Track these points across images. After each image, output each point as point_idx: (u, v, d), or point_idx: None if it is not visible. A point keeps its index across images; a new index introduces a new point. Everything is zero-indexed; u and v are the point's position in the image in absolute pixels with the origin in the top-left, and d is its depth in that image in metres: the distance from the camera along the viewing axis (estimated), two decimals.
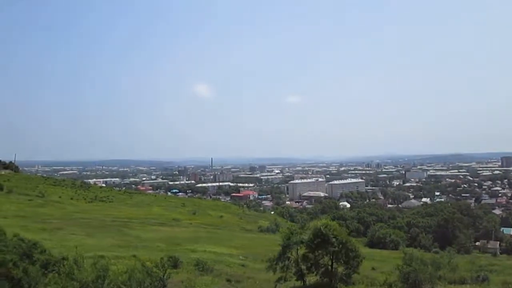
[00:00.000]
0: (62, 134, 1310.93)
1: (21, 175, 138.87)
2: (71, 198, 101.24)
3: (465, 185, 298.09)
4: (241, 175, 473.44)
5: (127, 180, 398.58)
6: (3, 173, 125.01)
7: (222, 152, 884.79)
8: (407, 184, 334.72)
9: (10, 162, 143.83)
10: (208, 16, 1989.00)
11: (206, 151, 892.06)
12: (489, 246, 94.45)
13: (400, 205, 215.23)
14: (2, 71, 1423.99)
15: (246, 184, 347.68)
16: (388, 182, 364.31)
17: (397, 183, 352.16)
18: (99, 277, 17.75)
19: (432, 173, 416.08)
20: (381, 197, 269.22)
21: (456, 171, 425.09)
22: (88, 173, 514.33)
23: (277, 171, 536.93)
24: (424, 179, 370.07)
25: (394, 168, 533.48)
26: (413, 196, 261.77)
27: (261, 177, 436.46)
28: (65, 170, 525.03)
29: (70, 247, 33.85)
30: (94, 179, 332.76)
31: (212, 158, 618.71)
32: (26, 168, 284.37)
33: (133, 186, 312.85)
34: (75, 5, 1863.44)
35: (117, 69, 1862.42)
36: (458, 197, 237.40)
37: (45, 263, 21.83)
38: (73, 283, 18.00)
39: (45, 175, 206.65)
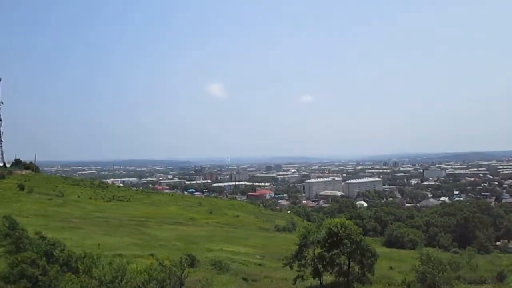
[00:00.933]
0: (80, 135, 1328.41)
1: (41, 175, 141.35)
2: (90, 198, 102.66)
3: (485, 184, 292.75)
4: (257, 175, 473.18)
5: (144, 180, 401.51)
6: (24, 173, 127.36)
7: (238, 152, 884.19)
8: (425, 183, 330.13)
9: (31, 162, 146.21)
10: (222, 16, 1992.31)
11: (222, 150, 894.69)
12: (510, 245, 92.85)
13: (418, 204, 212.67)
14: (24, 72, 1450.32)
15: (263, 184, 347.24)
16: (405, 181, 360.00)
17: (415, 182, 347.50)
18: (117, 276, 18.01)
19: (451, 172, 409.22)
20: (399, 196, 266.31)
21: (476, 169, 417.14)
22: (106, 173, 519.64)
23: (293, 170, 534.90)
24: (442, 178, 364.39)
25: (411, 167, 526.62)
26: (431, 195, 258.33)
27: (277, 176, 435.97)
28: (84, 170, 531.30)
29: (89, 246, 34.45)
30: (112, 179, 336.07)
31: (228, 158, 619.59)
32: (46, 168, 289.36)
33: (150, 185, 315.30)
34: (90, 3, 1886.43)
35: (134, 68, 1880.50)
36: (478, 196, 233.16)
37: (65, 261, 22.19)
38: (92, 281, 18.29)
39: (64, 175, 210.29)
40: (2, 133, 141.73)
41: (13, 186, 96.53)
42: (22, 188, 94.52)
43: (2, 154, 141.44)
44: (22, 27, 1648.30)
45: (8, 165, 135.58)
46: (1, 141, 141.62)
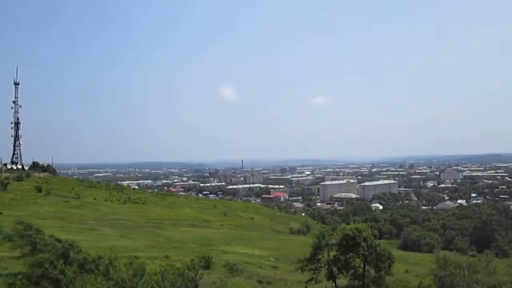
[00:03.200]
0: (96, 138, 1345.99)
1: (59, 178, 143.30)
2: (106, 200, 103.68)
3: (503, 186, 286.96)
4: (272, 177, 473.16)
5: (159, 182, 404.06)
6: (41, 175, 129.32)
7: (252, 154, 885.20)
8: (442, 185, 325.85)
9: (48, 165, 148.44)
10: (235, 17, 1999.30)
11: (236, 153, 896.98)
12: None
13: (434, 207, 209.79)
14: (41, 76, 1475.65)
15: (277, 186, 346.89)
16: (421, 183, 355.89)
17: (431, 184, 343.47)
18: (135, 275, 18.12)
19: (468, 174, 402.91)
20: (415, 198, 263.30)
21: (494, 171, 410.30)
22: (122, 175, 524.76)
23: (307, 173, 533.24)
24: (459, 180, 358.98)
25: (428, 169, 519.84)
26: (448, 198, 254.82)
27: (292, 179, 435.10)
28: (100, 172, 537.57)
29: (105, 247, 34.74)
30: (128, 181, 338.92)
31: (242, 160, 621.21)
32: (62, 171, 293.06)
33: (165, 188, 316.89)
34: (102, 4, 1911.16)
35: (148, 72, 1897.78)
36: (496, 198, 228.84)
37: (81, 262, 22.40)
38: (109, 283, 18.43)
39: (80, 178, 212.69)
40: (21, 136, 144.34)
41: (31, 189, 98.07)
42: (39, 190, 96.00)
43: (20, 157, 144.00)
44: (40, 31, 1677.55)
45: (26, 168, 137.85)
46: (20, 144, 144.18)
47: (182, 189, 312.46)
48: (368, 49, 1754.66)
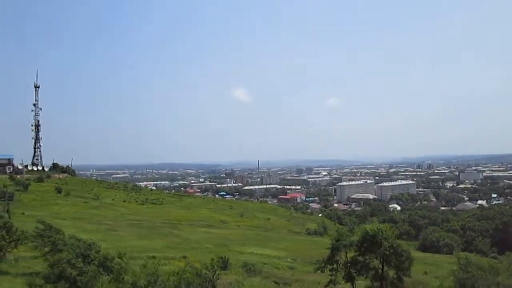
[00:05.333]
0: (114, 140, 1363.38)
1: (78, 179, 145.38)
2: (124, 201, 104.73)
3: None
4: (288, 178, 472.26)
5: (176, 183, 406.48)
6: (61, 177, 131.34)
7: (268, 155, 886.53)
8: (461, 186, 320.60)
9: (67, 166, 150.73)
10: (247, 17, 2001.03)
11: (252, 154, 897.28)
12: None
13: (454, 208, 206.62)
14: (59, 79, 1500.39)
15: (293, 187, 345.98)
16: (440, 184, 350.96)
17: (451, 185, 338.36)
18: (151, 275, 18.25)
19: (488, 174, 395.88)
20: (434, 199, 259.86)
21: None
22: (139, 176, 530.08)
23: (324, 173, 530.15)
24: (479, 181, 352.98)
25: (447, 169, 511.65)
26: (468, 198, 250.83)
27: (308, 179, 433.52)
28: (118, 173, 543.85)
29: (123, 247, 35.04)
30: (145, 182, 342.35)
31: (258, 161, 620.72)
32: (81, 172, 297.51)
33: (182, 188, 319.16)
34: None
35: (166, 74, 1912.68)
36: None
37: (101, 261, 22.62)
38: (126, 285, 18.60)
39: (99, 179, 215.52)
40: (41, 138, 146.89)
41: (51, 189, 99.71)
42: (59, 191, 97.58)
43: (40, 158, 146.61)
44: (55, 33, 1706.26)
45: (46, 169, 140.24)
46: (40, 146, 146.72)
47: (198, 190, 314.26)
48: (383, 48, 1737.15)
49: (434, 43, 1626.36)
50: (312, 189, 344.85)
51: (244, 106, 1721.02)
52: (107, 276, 20.87)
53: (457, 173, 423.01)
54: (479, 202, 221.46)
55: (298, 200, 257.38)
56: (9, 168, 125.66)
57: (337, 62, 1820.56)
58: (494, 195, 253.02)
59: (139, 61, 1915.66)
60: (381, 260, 25.97)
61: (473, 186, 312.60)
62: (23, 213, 60.61)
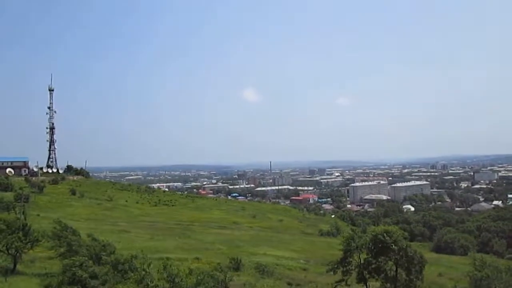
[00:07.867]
0: (127, 142, 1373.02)
1: (92, 181, 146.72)
2: (137, 202, 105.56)
3: None
4: (301, 179, 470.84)
5: (188, 185, 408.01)
6: (75, 178, 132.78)
7: (281, 156, 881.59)
8: (476, 186, 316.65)
9: (81, 168, 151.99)
10: (260, 18, 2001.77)
11: (264, 155, 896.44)
12: None
13: (469, 208, 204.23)
14: (71, 82, 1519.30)
15: (306, 188, 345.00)
16: (455, 184, 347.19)
17: (465, 185, 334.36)
18: (169, 275, 18.35)
19: (504, 174, 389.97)
20: (448, 200, 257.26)
21: None
22: (152, 178, 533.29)
23: (337, 174, 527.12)
24: (495, 181, 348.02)
25: (461, 170, 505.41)
26: (483, 199, 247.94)
27: (321, 180, 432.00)
28: (131, 175, 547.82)
29: (137, 248, 35.35)
30: (158, 184, 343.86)
31: (271, 162, 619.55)
32: (95, 174, 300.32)
33: (195, 190, 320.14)
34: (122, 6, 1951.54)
35: (178, 76, 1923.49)
36: None
37: (114, 263, 22.86)
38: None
39: (112, 181, 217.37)
40: (55, 140, 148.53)
41: (66, 191, 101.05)
42: (73, 193, 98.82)
43: (55, 160, 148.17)
44: (64, 35, 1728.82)
45: (61, 171, 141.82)
46: (55, 148, 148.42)
47: (211, 191, 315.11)
48: (396, 48, 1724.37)
49: (444, 38, 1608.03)
50: (324, 190, 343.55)
51: (256, 107, 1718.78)
52: (121, 281, 21.01)
53: (472, 174, 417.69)
54: (495, 202, 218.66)
55: (311, 201, 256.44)
56: (25, 170, 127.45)
57: (349, 62, 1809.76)
58: (510, 196, 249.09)
59: (152, 63, 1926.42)
60: (394, 262, 25.83)
61: (488, 186, 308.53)
62: (38, 215, 61.48)
